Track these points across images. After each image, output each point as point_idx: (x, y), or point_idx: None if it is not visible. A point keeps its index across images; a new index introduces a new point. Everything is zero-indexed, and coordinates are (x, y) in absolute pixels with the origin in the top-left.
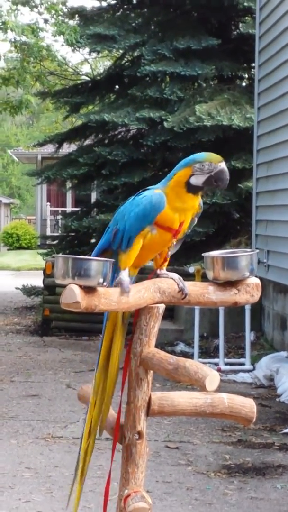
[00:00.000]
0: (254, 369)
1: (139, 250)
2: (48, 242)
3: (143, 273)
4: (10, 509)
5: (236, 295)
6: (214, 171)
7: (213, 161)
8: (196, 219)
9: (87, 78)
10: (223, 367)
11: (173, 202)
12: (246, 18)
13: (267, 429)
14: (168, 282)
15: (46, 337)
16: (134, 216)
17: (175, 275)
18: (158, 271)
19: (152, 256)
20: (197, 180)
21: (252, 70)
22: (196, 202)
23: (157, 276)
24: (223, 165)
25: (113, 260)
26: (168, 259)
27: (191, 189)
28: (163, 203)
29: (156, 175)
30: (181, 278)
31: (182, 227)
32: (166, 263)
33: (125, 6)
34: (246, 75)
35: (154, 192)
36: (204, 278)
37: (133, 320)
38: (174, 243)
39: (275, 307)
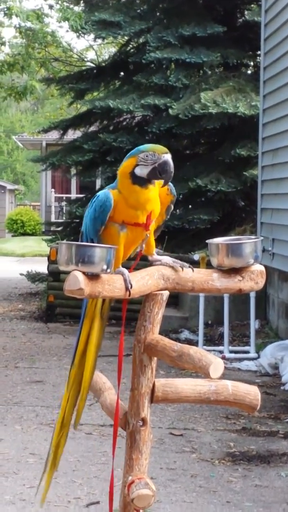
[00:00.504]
0: (258, 357)
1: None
2: (52, 228)
3: (145, 260)
4: (14, 495)
5: (241, 282)
6: (158, 161)
7: (157, 152)
8: (172, 206)
9: (92, 65)
10: (227, 355)
11: (127, 198)
12: (252, 5)
13: (272, 417)
14: (170, 269)
15: (50, 324)
16: (88, 218)
17: (167, 258)
18: (150, 258)
19: (131, 251)
20: (141, 171)
21: (258, 58)
22: (149, 195)
23: (151, 263)
24: (167, 157)
25: (116, 246)
26: (154, 243)
27: (137, 180)
28: (109, 202)
29: None
30: (175, 259)
31: (151, 218)
32: (153, 248)
33: None
34: (252, 63)
35: (102, 192)
36: (209, 266)
37: (122, 306)
38: (148, 235)
39: (280, 295)
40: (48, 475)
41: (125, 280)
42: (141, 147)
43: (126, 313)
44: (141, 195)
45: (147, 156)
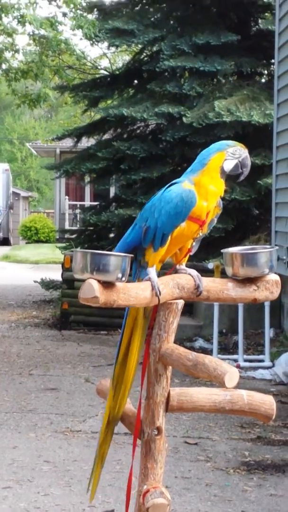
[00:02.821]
0: (273, 366)
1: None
2: (66, 236)
3: (162, 268)
4: (28, 502)
5: (256, 292)
6: (242, 156)
7: (241, 147)
8: (215, 220)
9: (105, 73)
10: (242, 364)
11: (204, 190)
12: (266, 14)
13: (287, 426)
14: (187, 278)
15: (64, 331)
16: (165, 214)
17: (193, 271)
18: (178, 267)
19: (177, 249)
20: (228, 165)
21: (272, 66)
22: (223, 189)
23: (176, 271)
24: (247, 152)
25: (131, 255)
26: (188, 255)
27: (223, 174)
28: (194, 199)
29: (175, 170)
30: (199, 275)
31: (208, 217)
32: (186, 259)
33: (144, 1)
34: (266, 72)
35: (183, 188)
36: (223, 274)
37: (151, 316)
38: (200, 234)
39: None
40: (96, 472)
41: (153, 286)
42: (226, 142)
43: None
44: (220, 187)
45: (235, 150)
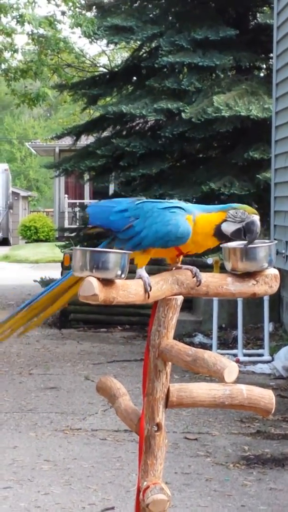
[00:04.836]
0: (272, 360)
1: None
2: (66, 234)
3: (162, 265)
4: (29, 502)
5: (255, 286)
6: (246, 220)
7: (247, 211)
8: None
9: (104, 70)
10: (241, 358)
11: (195, 235)
12: (264, 8)
13: (286, 420)
14: (186, 274)
15: (64, 330)
16: (154, 230)
17: (189, 266)
18: (172, 264)
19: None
20: (228, 227)
21: (270, 60)
22: (214, 244)
23: (170, 268)
24: (256, 218)
25: (130, 252)
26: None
27: (218, 234)
28: (186, 238)
29: (174, 166)
30: (197, 270)
31: (188, 253)
32: (181, 258)
33: None
34: (264, 66)
35: (185, 221)
36: (222, 269)
37: (151, 312)
38: (177, 261)
39: None
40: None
41: (144, 283)
42: (233, 204)
43: (139, 318)
44: (209, 243)
45: (236, 213)
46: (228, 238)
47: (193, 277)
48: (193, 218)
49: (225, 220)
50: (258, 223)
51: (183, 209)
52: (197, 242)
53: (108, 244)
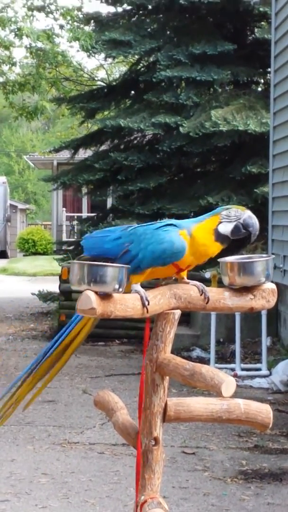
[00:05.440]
0: (270, 374)
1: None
2: (64, 247)
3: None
4: None
5: (252, 301)
6: (242, 216)
7: (239, 209)
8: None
9: (102, 84)
10: (239, 373)
11: (195, 246)
12: (262, 23)
13: (284, 434)
14: (184, 288)
15: None
16: (150, 251)
17: (197, 283)
18: (179, 279)
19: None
20: (225, 228)
21: (268, 75)
22: (219, 250)
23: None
24: (249, 212)
25: (128, 266)
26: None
27: (220, 238)
28: (183, 253)
29: (171, 181)
30: (204, 286)
31: (188, 268)
32: (185, 273)
33: (140, 12)
34: (262, 80)
35: (178, 237)
36: (220, 283)
37: (145, 326)
38: (174, 278)
39: None
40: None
41: (141, 297)
42: (223, 206)
43: (137, 332)
44: (213, 249)
45: (230, 212)
46: (229, 240)
47: (201, 294)
48: (188, 232)
49: (220, 222)
50: (254, 216)
51: (175, 225)
52: (199, 253)
53: None
